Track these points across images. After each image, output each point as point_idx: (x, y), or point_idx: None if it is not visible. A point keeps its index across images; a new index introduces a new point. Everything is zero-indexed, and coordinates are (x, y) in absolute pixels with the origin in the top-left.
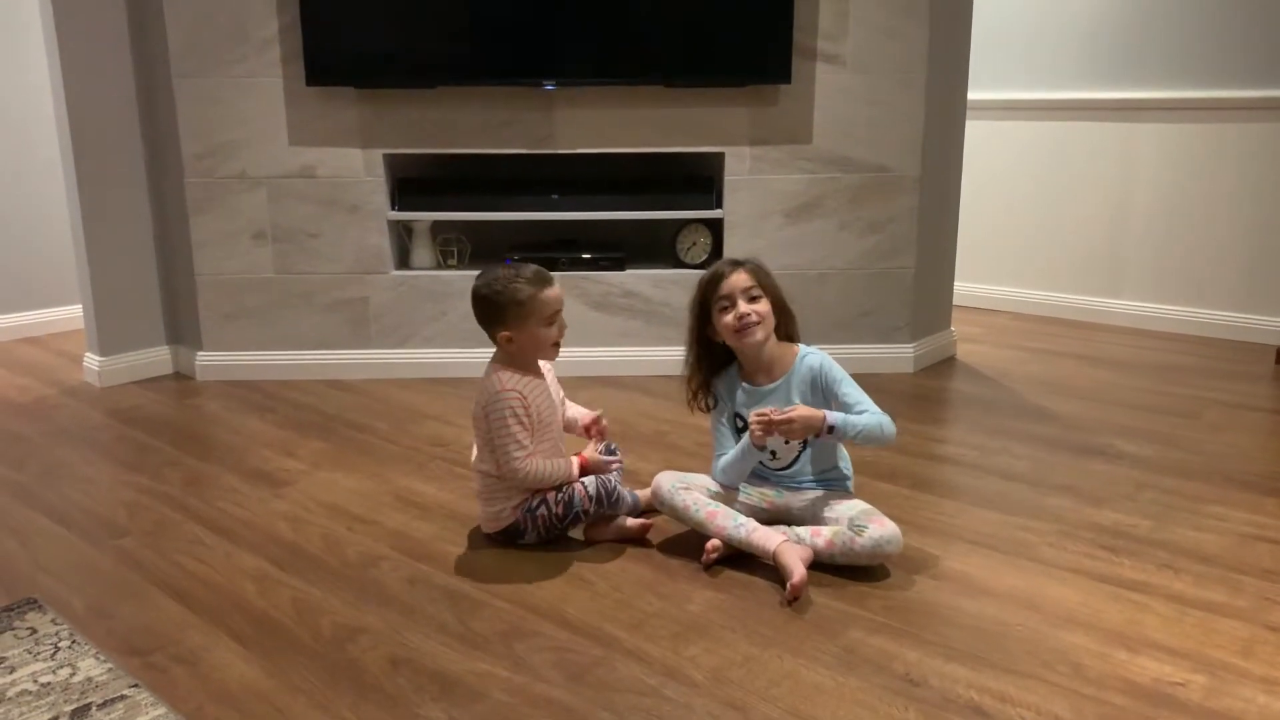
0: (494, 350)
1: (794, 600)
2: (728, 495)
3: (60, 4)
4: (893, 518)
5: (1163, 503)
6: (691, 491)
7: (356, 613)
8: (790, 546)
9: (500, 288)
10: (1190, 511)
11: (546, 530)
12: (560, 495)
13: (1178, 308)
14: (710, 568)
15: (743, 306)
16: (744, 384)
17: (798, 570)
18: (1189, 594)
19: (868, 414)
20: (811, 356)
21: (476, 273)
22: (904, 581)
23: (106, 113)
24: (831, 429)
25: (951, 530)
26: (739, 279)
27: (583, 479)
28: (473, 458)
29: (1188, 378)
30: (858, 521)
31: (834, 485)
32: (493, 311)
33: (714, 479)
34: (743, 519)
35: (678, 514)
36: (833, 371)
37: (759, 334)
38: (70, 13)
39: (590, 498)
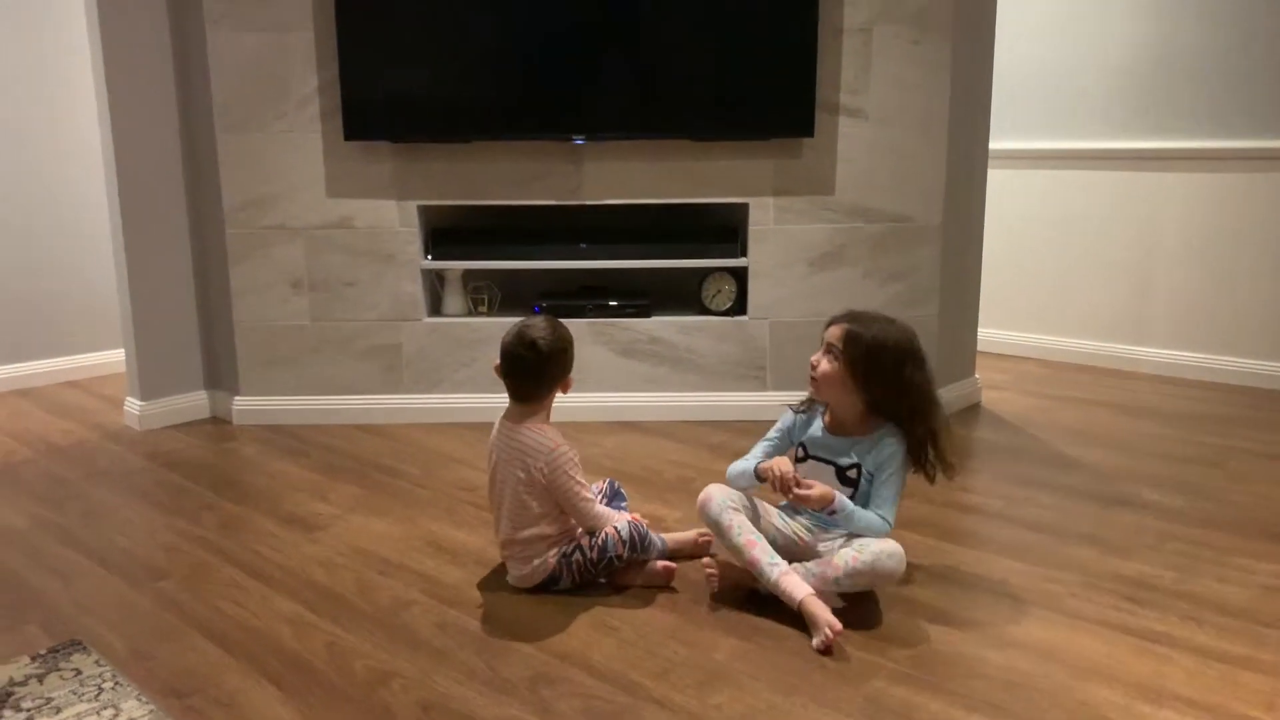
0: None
1: (827, 650)
2: (766, 526)
3: (111, 57)
4: (917, 567)
5: (1188, 554)
6: (739, 514)
7: (388, 656)
8: (816, 599)
9: (565, 335)
10: (1215, 563)
11: (581, 576)
12: (594, 540)
13: (1204, 356)
14: (715, 591)
15: (817, 357)
16: (822, 422)
17: (833, 621)
18: (1213, 646)
19: (871, 512)
20: (893, 442)
21: (509, 320)
22: (927, 631)
23: (151, 163)
24: (833, 513)
25: (976, 580)
26: (834, 331)
27: (615, 524)
28: (501, 531)
29: (1214, 426)
30: (861, 541)
31: None
32: (566, 362)
33: (727, 474)
34: (778, 559)
35: (719, 530)
36: (894, 464)
37: (818, 389)
38: (120, 65)
39: (624, 543)
